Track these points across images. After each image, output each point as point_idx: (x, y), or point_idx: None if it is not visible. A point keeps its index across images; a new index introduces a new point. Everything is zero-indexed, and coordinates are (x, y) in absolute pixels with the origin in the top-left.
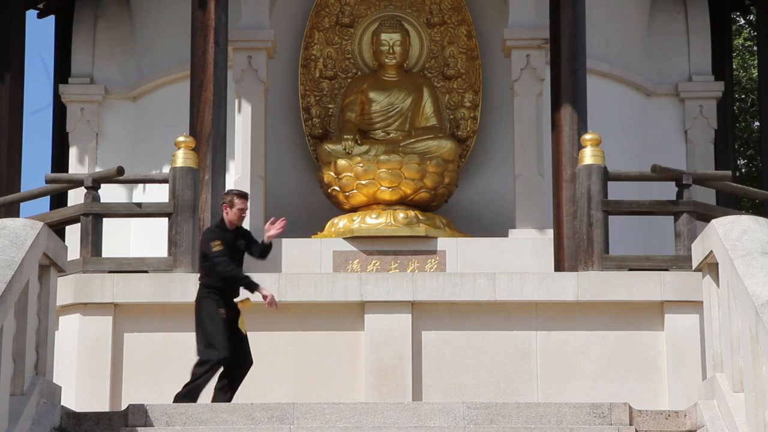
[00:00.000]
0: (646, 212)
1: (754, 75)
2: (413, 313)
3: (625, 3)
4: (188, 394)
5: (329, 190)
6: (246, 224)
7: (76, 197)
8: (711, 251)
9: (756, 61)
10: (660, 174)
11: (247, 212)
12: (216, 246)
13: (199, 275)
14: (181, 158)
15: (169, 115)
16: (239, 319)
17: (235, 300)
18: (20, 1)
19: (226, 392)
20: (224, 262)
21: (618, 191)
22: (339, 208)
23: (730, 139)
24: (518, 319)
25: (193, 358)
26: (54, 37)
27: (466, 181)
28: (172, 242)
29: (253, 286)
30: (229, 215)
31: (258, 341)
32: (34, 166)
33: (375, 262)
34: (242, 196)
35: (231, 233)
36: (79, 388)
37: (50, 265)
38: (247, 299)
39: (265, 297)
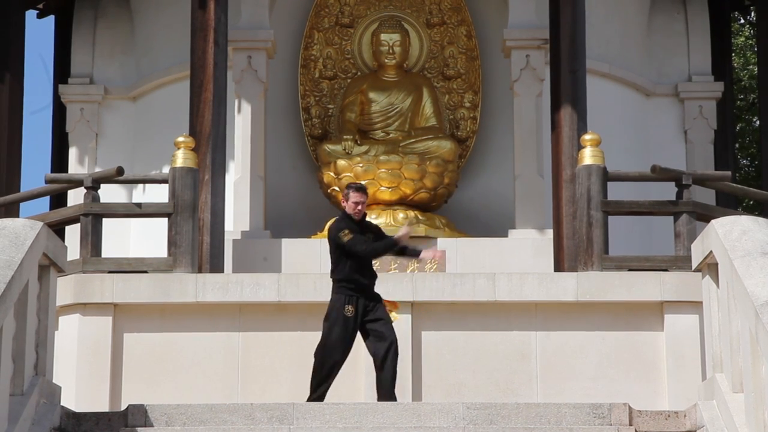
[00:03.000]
0: (645, 212)
1: (755, 72)
2: (413, 314)
3: (624, 3)
4: (318, 397)
5: (329, 191)
6: (246, 225)
7: (75, 197)
8: (711, 251)
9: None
10: (660, 174)
11: (362, 206)
12: (345, 236)
13: (330, 271)
14: (181, 158)
15: (169, 116)
16: (381, 307)
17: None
18: (20, 1)
19: (380, 380)
20: (359, 242)
21: (618, 191)
22: (339, 209)
23: (729, 139)
24: (518, 319)
25: (192, 357)
26: (54, 37)
27: (466, 182)
28: (171, 242)
29: (405, 249)
30: (347, 209)
31: (258, 341)
32: (34, 166)
33: (375, 262)
34: (359, 189)
35: (357, 224)
36: (79, 388)
37: (50, 266)
38: (394, 304)
39: (432, 256)
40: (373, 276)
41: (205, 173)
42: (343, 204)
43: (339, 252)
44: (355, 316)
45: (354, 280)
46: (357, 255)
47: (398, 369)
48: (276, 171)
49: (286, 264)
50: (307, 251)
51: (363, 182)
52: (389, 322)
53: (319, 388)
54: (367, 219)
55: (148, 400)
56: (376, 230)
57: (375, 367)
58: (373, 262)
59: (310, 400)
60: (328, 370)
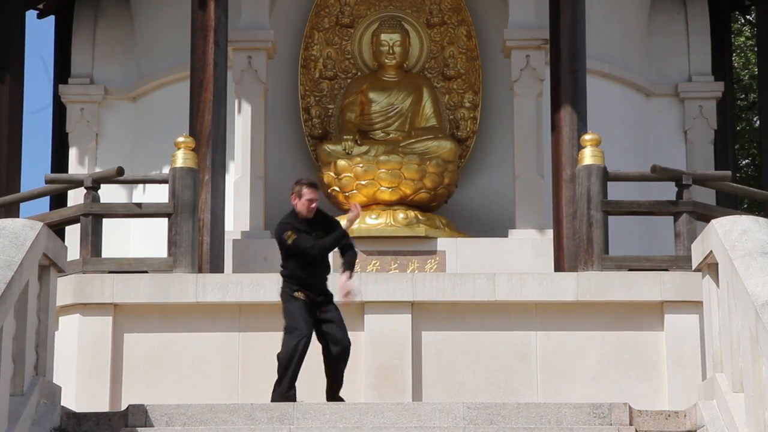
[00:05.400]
0: (645, 212)
1: (755, 72)
2: (413, 314)
3: (624, 3)
4: (281, 384)
5: (329, 191)
6: (246, 225)
7: (75, 197)
8: (711, 251)
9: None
10: (660, 174)
11: (316, 203)
12: (289, 237)
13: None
14: (181, 159)
15: (169, 116)
16: (334, 309)
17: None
18: (20, 1)
19: (330, 384)
20: (303, 241)
21: (618, 191)
22: (339, 209)
23: (729, 139)
24: (518, 319)
25: (192, 357)
26: (54, 37)
27: (466, 182)
28: (171, 243)
29: (340, 236)
30: (297, 206)
31: (258, 341)
32: (34, 166)
33: (375, 262)
34: (311, 185)
35: (304, 223)
36: (79, 389)
37: (50, 266)
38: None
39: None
40: (324, 273)
41: (205, 173)
42: (294, 202)
43: (285, 251)
44: (308, 303)
45: (301, 278)
46: (305, 256)
47: (346, 372)
48: (276, 171)
49: None
50: None
51: (363, 182)
52: (342, 324)
53: (287, 372)
54: (323, 212)
55: (148, 400)
56: (330, 223)
57: (325, 370)
58: (329, 258)
59: (281, 390)
60: (294, 346)
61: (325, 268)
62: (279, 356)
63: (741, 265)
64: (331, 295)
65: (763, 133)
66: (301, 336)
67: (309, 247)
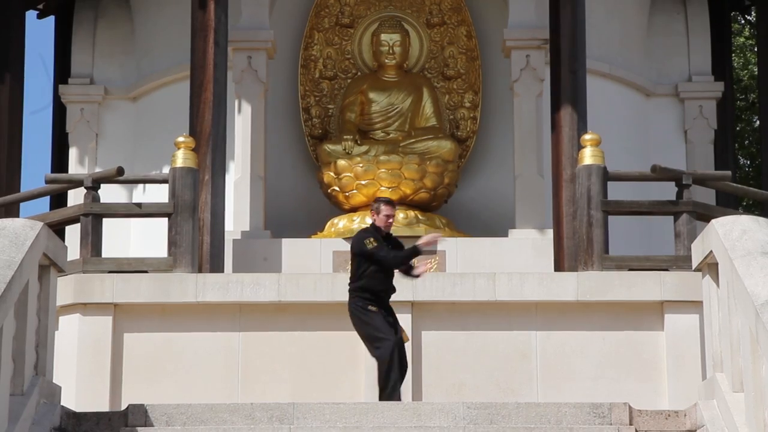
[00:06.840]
0: (645, 212)
1: (755, 72)
2: (413, 313)
3: (624, 3)
4: (390, 396)
5: (329, 191)
6: (246, 225)
7: (75, 197)
8: (711, 251)
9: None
10: (660, 174)
11: (393, 219)
12: (369, 243)
13: (349, 280)
14: (181, 158)
15: (169, 116)
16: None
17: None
18: (20, 1)
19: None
20: (382, 250)
21: (618, 191)
22: (339, 209)
23: (729, 139)
24: (518, 319)
25: (192, 357)
26: (54, 37)
27: (466, 182)
28: (171, 242)
29: (415, 252)
30: (376, 222)
31: (258, 341)
32: (34, 166)
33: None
34: (389, 203)
35: (382, 238)
36: (79, 388)
37: (50, 266)
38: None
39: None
40: (391, 289)
41: (205, 173)
42: (373, 217)
43: (359, 261)
44: (383, 314)
45: (370, 289)
46: (380, 263)
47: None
48: (276, 171)
49: (286, 264)
50: (307, 251)
51: (363, 182)
52: (403, 346)
53: (389, 379)
54: (393, 236)
55: (148, 400)
56: (399, 246)
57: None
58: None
59: (387, 393)
60: (390, 354)
61: (393, 286)
62: (380, 366)
63: (741, 265)
64: (392, 310)
65: (763, 133)
66: (391, 344)
67: (385, 255)
